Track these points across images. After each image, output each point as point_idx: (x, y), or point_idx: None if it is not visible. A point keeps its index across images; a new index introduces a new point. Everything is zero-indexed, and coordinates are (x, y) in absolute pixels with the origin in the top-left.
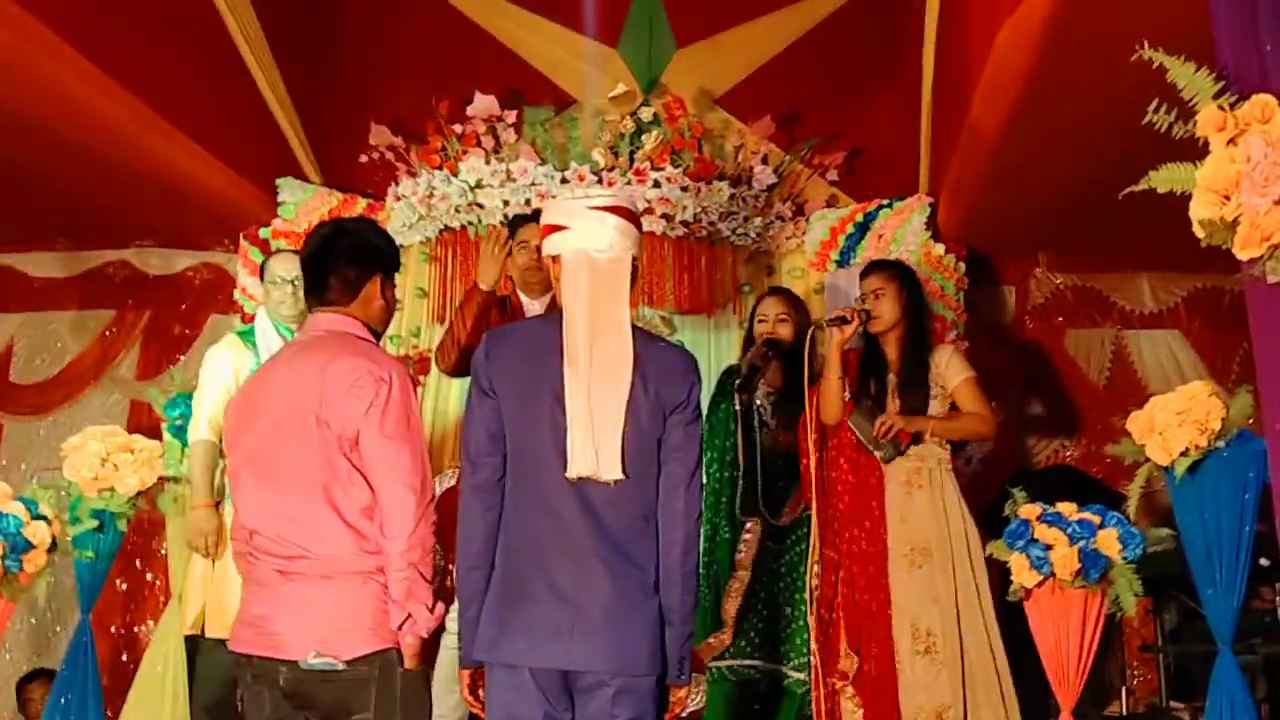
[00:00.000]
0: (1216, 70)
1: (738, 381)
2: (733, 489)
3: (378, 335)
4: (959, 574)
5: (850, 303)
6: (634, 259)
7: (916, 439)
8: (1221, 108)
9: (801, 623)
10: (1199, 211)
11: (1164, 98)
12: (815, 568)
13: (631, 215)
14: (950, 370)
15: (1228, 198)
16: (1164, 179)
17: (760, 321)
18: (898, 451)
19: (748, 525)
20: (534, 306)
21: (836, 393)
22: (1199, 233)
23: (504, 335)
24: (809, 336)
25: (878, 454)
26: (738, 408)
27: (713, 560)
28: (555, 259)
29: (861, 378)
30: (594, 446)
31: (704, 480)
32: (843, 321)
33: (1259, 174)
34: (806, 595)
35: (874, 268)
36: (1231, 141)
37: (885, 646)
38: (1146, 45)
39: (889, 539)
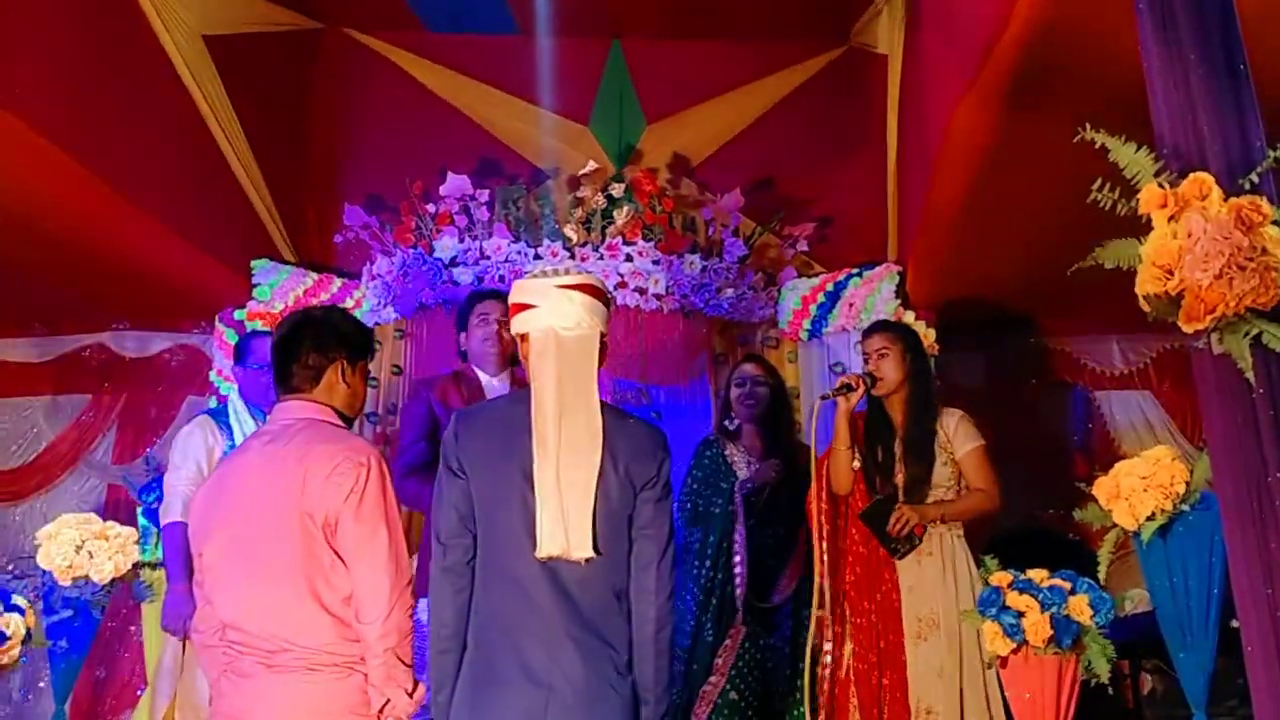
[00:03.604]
0: (1156, 149)
1: (749, 492)
2: (726, 591)
3: (348, 420)
4: (965, 645)
5: (836, 372)
6: (602, 336)
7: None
8: (1162, 185)
9: (796, 711)
10: (1144, 287)
11: (1115, 173)
12: (826, 645)
13: (599, 293)
14: (959, 437)
15: (1171, 273)
16: (1110, 254)
17: (737, 386)
18: (913, 546)
19: (731, 633)
20: (493, 384)
21: (846, 463)
22: (1145, 308)
23: (472, 415)
24: (813, 409)
25: (893, 551)
26: (734, 506)
27: (693, 659)
28: (523, 337)
29: (868, 445)
30: (564, 525)
31: (674, 558)
32: (848, 389)
33: (1200, 249)
34: (804, 683)
35: (877, 328)
36: (1173, 218)
37: None
38: (1088, 127)
39: (902, 610)
